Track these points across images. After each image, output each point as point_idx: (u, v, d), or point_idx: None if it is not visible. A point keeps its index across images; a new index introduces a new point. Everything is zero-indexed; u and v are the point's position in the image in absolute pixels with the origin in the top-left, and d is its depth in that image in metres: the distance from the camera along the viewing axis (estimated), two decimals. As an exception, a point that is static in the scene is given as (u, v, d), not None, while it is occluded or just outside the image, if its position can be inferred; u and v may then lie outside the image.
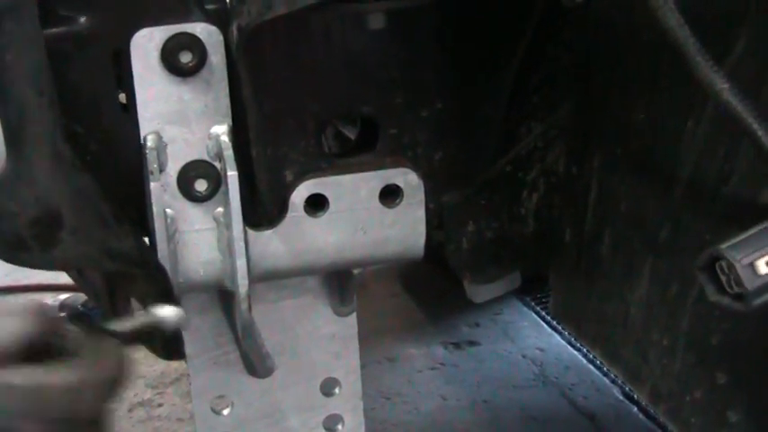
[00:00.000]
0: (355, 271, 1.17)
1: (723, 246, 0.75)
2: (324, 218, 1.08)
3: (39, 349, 0.62)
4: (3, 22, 0.87)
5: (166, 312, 0.87)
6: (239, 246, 1.02)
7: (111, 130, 1.02)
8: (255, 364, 1.17)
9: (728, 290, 0.76)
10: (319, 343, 1.21)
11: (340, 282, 1.19)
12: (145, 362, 2.04)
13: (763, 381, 0.87)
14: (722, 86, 0.77)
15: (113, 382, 0.65)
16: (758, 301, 0.75)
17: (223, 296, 1.14)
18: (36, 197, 0.91)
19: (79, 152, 0.97)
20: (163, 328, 0.87)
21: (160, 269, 1.01)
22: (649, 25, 0.81)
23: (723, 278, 0.76)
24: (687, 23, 0.79)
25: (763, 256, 0.74)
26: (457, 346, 2.17)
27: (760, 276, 0.74)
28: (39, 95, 0.90)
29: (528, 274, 2.05)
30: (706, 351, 0.93)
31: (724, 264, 0.76)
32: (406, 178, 1.08)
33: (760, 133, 0.76)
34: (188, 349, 1.17)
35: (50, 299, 2.27)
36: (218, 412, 1.21)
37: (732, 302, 0.76)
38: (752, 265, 0.74)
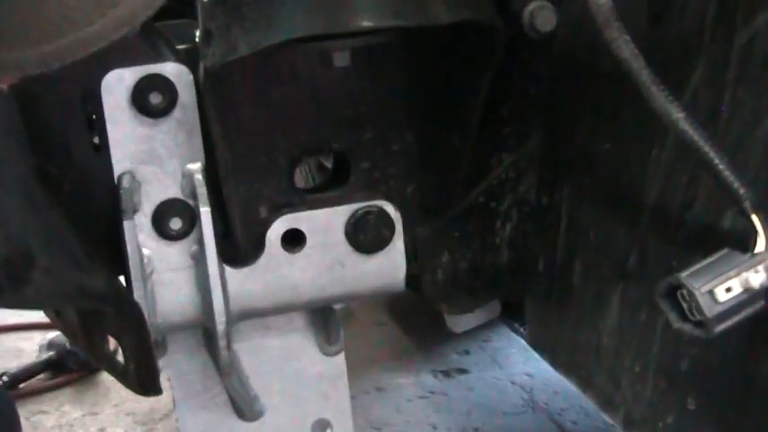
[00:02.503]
0: (336, 306, 1.16)
1: (683, 274, 0.76)
2: (301, 254, 1.08)
3: None
4: None
5: None
6: (215, 283, 1.02)
7: (83, 171, 1.02)
8: (243, 406, 1.17)
9: (690, 317, 0.77)
10: (308, 384, 1.20)
11: (324, 319, 1.18)
12: (134, 398, 2.03)
13: (732, 406, 0.87)
14: (678, 116, 0.78)
15: None
16: (719, 328, 0.76)
17: (207, 336, 1.14)
18: (7, 237, 0.91)
19: (53, 192, 0.97)
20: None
21: (135, 306, 1.01)
22: (610, 56, 0.82)
23: (684, 305, 0.77)
24: (644, 54, 0.80)
25: (721, 282, 0.75)
26: (446, 373, 2.16)
27: (719, 303, 0.75)
28: (7, 137, 0.90)
29: (516, 300, 2.04)
30: (676, 376, 0.93)
31: (684, 292, 0.76)
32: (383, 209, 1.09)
33: (716, 161, 0.77)
34: (176, 393, 1.16)
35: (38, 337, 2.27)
36: None
37: (694, 330, 0.77)
38: (711, 293, 0.75)
